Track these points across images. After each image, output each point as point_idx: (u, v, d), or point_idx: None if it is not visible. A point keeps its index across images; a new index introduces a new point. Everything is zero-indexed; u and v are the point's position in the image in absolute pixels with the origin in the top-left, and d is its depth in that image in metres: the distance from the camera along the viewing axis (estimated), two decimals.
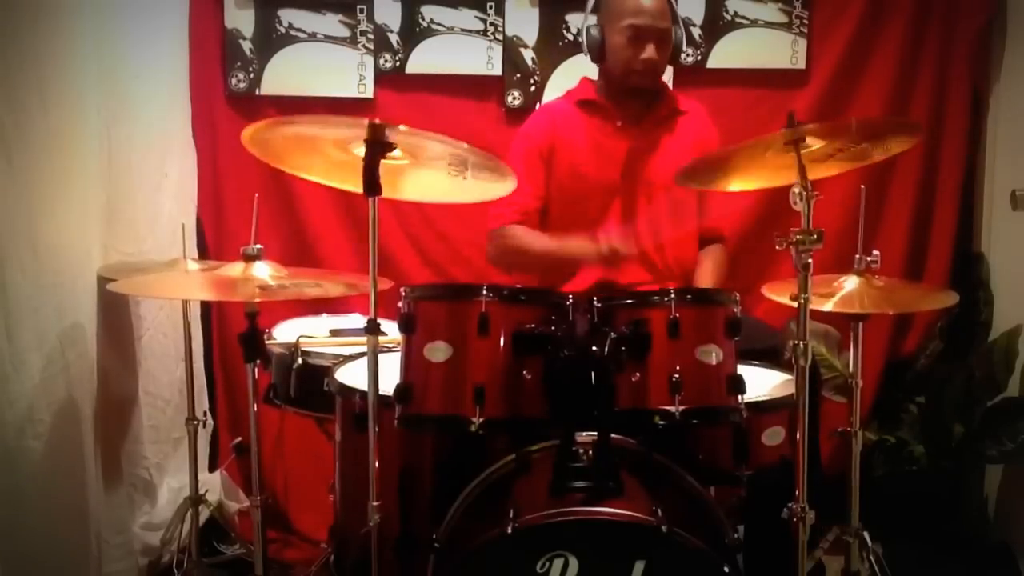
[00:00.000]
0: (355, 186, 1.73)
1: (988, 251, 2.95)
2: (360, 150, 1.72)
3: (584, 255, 2.28)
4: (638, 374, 1.70)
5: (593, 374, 1.67)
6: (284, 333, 2.38)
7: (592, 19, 2.42)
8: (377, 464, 1.71)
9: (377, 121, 1.68)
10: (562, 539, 1.56)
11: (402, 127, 1.69)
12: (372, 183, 1.69)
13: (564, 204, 2.44)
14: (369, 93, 2.95)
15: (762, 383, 2.01)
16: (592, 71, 2.50)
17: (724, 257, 2.53)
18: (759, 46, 2.95)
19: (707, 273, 2.45)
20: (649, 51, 2.32)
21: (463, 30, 2.94)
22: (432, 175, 1.92)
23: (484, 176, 1.91)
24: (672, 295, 1.72)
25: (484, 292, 1.71)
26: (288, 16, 2.92)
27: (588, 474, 1.64)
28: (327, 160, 1.86)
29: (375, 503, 1.71)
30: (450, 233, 3.00)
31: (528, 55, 2.95)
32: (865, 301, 2.02)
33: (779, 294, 1.98)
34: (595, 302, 1.77)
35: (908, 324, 3.00)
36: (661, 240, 2.42)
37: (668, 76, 2.89)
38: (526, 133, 2.49)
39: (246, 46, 2.92)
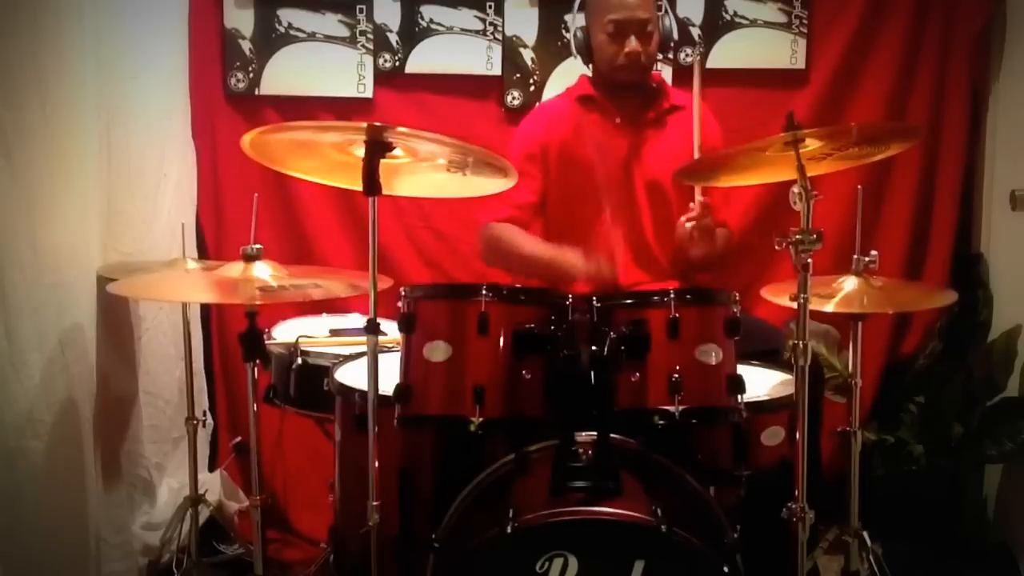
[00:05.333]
0: (355, 185, 1.73)
1: (987, 251, 2.95)
2: (360, 151, 1.73)
3: (573, 269, 2.19)
4: (638, 374, 1.70)
5: (593, 374, 1.67)
6: (284, 333, 2.38)
7: (580, 21, 2.44)
8: (377, 464, 1.71)
9: (376, 123, 1.68)
10: (562, 539, 1.56)
11: (401, 128, 1.69)
12: (372, 183, 1.69)
13: (564, 201, 2.44)
14: (368, 93, 2.95)
15: (762, 383, 2.01)
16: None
17: (726, 239, 2.49)
18: (758, 46, 2.95)
19: None
20: (631, 44, 2.32)
21: (463, 30, 2.94)
22: (432, 172, 1.93)
23: (485, 172, 1.91)
24: (672, 295, 1.72)
25: (484, 292, 1.71)
26: (287, 16, 2.92)
27: (587, 474, 1.64)
28: (327, 161, 1.86)
29: (375, 503, 1.71)
30: (449, 232, 3.00)
31: (528, 55, 2.95)
32: (865, 301, 2.03)
33: (778, 296, 1.98)
34: (595, 302, 1.78)
35: (907, 324, 2.99)
36: (661, 237, 2.43)
37: (668, 75, 2.91)
38: (523, 130, 2.50)
39: (245, 46, 2.92)
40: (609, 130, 2.43)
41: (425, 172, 1.92)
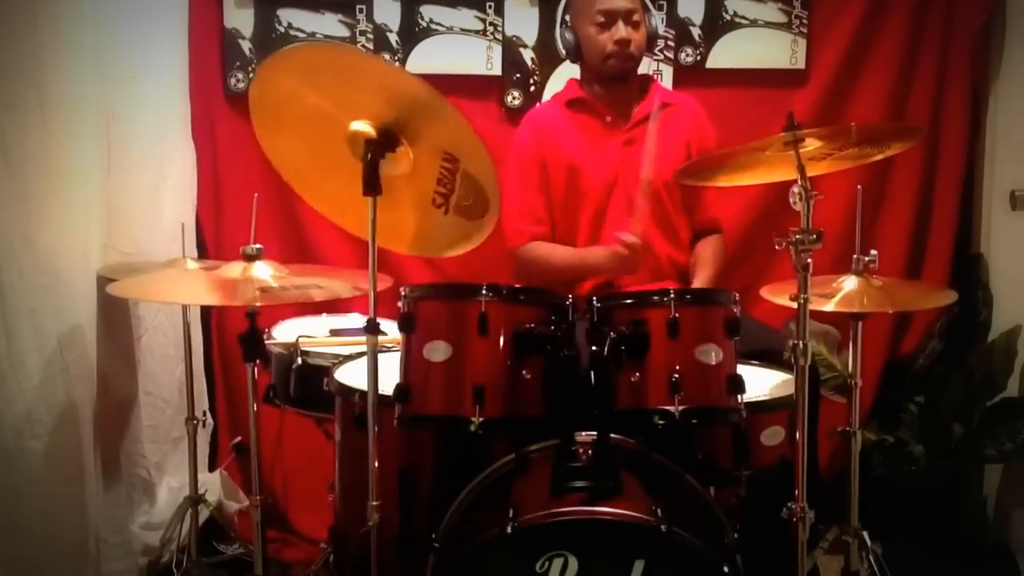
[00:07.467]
0: (353, 229, 1.72)
1: (987, 251, 2.95)
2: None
3: (604, 262, 2.32)
4: (638, 374, 1.70)
5: (593, 374, 1.67)
6: (284, 333, 2.38)
7: (567, 22, 2.48)
8: (377, 464, 1.71)
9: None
10: (561, 539, 1.56)
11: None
12: (372, 183, 1.69)
13: (563, 205, 2.45)
14: None
15: (762, 383, 2.01)
16: None
17: (722, 249, 2.53)
18: (759, 46, 2.95)
19: (706, 265, 2.45)
20: (619, 31, 2.35)
21: (463, 30, 2.94)
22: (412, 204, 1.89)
23: (463, 213, 1.87)
24: (671, 295, 1.72)
25: (484, 292, 1.71)
26: (287, 16, 2.92)
27: (587, 474, 1.64)
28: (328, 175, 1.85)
29: (375, 503, 1.71)
30: None
31: (528, 55, 2.95)
32: (865, 300, 2.03)
33: (778, 295, 1.98)
34: (595, 302, 1.78)
35: (907, 324, 2.99)
36: (657, 234, 2.43)
37: (668, 76, 2.91)
38: (518, 142, 2.52)
39: (245, 46, 2.92)
40: (600, 130, 2.45)
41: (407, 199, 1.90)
